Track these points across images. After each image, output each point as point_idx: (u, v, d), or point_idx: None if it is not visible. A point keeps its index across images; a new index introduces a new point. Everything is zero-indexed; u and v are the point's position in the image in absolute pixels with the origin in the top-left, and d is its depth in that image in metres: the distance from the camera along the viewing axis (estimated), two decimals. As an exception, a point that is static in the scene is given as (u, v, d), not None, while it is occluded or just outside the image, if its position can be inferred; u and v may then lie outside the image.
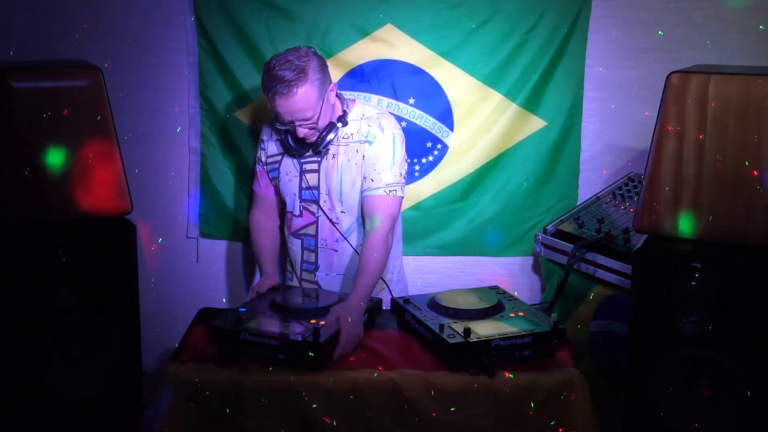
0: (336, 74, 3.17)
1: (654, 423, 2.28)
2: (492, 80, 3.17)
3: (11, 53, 3.00)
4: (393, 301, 2.61)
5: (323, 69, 2.63)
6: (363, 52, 3.17)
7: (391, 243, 2.69)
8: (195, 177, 3.32)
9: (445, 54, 3.16)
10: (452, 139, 3.23)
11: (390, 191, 2.68)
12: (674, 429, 2.26)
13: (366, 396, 2.24)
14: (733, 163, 2.16)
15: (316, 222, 2.79)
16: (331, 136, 2.67)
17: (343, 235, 2.76)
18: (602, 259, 2.82)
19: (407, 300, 2.57)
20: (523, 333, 2.32)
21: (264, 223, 2.90)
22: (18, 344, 2.36)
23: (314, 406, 2.22)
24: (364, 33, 3.14)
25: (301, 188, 2.77)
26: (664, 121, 2.22)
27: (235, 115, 3.25)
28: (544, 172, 3.25)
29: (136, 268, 2.51)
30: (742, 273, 2.17)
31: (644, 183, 2.27)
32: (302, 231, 2.82)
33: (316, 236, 2.80)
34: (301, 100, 2.56)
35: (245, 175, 3.29)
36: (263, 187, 2.88)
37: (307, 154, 2.74)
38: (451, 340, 2.26)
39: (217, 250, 3.38)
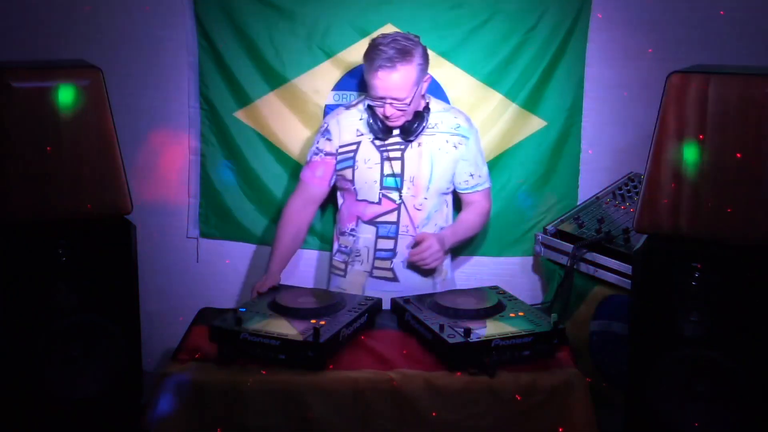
0: (336, 74, 3.18)
1: (654, 423, 2.28)
2: (492, 80, 3.17)
3: (11, 53, 3.00)
4: (393, 301, 2.61)
5: (425, 57, 2.77)
6: (363, 52, 3.16)
7: (488, 220, 3.03)
8: (195, 177, 3.32)
9: (445, 54, 3.16)
10: (452, 139, 3.23)
11: (490, 182, 3.00)
12: (674, 429, 2.26)
13: (366, 396, 2.24)
14: (733, 163, 2.16)
15: (398, 209, 2.83)
16: (418, 124, 2.79)
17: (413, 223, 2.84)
18: (602, 259, 2.82)
19: (407, 300, 2.57)
20: (523, 333, 2.32)
21: (299, 215, 2.92)
22: (18, 344, 2.36)
23: (314, 406, 2.22)
24: (364, 33, 3.14)
25: (382, 175, 2.81)
26: (664, 121, 2.22)
27: (235, 115, 3.25)
28: (544, 172, 3.25)
29: (136, 268, 2.51)
30: (742, 273, 2.17)
31: (644, 183, 2.27)
32: (379, 219, 2.86)
33: (397, 223, 2.85)
34: (401, 79, 2.68)
35: (245, 175, 3.29)
36: (318, 177, 2.90)
37: (389, 141, 2.81)
38: (451, 340, 2.26)
39: (217, 250, 3.38)
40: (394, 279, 2.90)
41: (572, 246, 2.88)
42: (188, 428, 2.24)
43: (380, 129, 2.79)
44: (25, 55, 2.95)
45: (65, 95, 2.36)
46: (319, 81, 3.19)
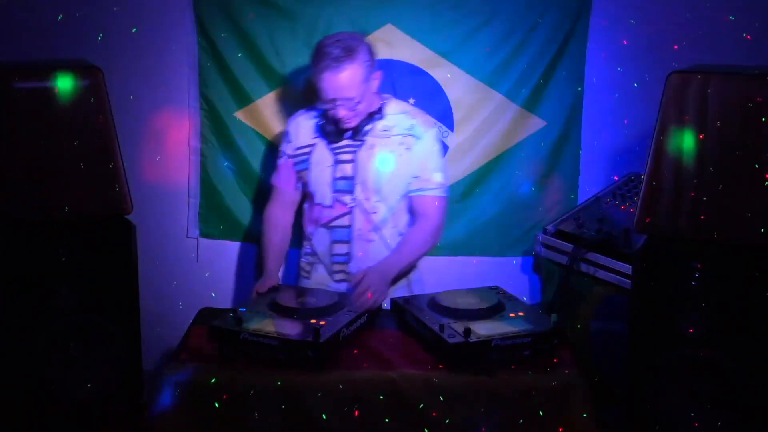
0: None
1: (654, 423, 2.28)
2: (492, 80, 3.17)
3: (11, 53, 3.00)
4: (393, 301, 2.61)
5: (372, 54, 2.69)
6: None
7: (438, 239, 2.80)
8: (195, 177, 3.32)
9: (445, 54, 3.17)
10: (452, 140, 3.23)
11: (442, 192, 2.77)
12: (674, 429, 2.26)
13: (366, 396, 2.24)
14: (733, 163, 2.16)
15: (351, 213, 2.79)
16: (370, 125, 2.71)
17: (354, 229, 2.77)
18: (602, 259, 2.82)
19: (407, 300, 2.57)
20: (523, 333, 2.32)
21: (279, 219, 2.90)
22: (18, 344, 2.36)
23: (314, 406, 2.22)
24: (364, 33, 3.14)
25: (334, 178, 2.77)
26: (664, 121, 2.22)
27: (235, 115, 3.25)
28: (544, 172, 3.26)
29: (136, 268, 2.51)
30: (742, 273, 2.17)
31: (644, 183, 2.27)
32: (333, 222, 2.81)
33: (350, 227, 2.80)
34: (348, 78, 2.60)
35: (245, 175, 3.29)
36: (283, 180, 2.87)
37: (342, 144, 2.75)
38: (451, 340, 2.26)
39: (217, 250, 3.38)
40: (327, 288, 2.83)
41: (572, 246, 2.88)
42: (188, 428, 2.24)
43: (332, 131, 2.73)
44: (25, 55, 2.96)
45: (64, 84, 2.35)
46: (320, 81, 3.19)
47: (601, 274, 2.83)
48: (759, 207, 2.15)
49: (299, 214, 2.94)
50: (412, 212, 2.81)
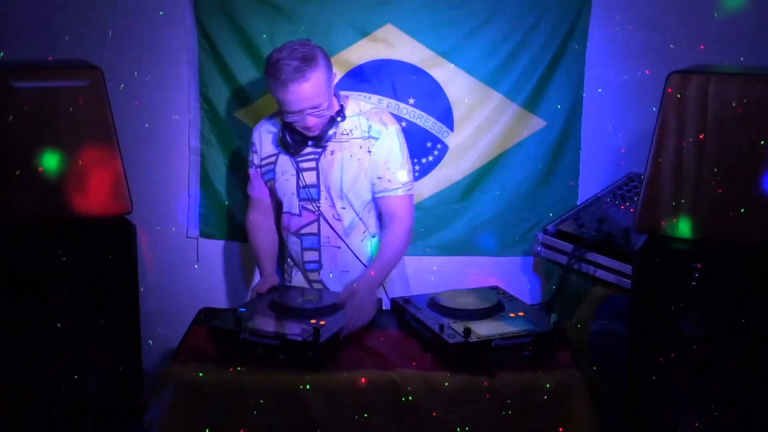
0: (336, 74, 3.18)
1: (654, 423, 2.28)
2: (492, 80, 3.17)
3: (11, 53, 3.00)
4: (393, 301, 2.61)
5: (327, 57, 2.65)
6: (363, 52, 3.17)
7: (410, 240, 2.76)
8: (195, 177, 3.32)
9: (445, 54, 3.16)
10: (452, 139, 3.23)
11: (407, 191, 2.73)
12: (674, 429, 2.26)
13: (366, 396, 2.24)
14: (733, 163, 2.16)
15: (317, 220, 2.78)
16: (332, 130, 2.66)
17: (340, 235, 2.76)
18: (602, 259, 2.82)
19: (407, 300, 2.57)
20: (523, 333, 2.32)
21: (261, 223, 2.89)
22: (18, 344, 2.36)
23: (314, 406, 2.22)
24: (364, 33, 3.14)
25: (298, 187, 2.76)
26: (664, 121, 2.22)
27: (235, 115, 3.25)
28: (544, 172, 3.25)
29: (136, 268, 2.51)
30: (742, 273, 2.17)
31: (644, 183, 2.27)
32: (302, 230, 2.81)
33: (318, 234, 2.80)
34: (314, 86, 2.55)
35: (245, 175, 3.28)
36: (257, 190, 2.85)
37: (303, 152, 2.72)
38: (451, 340, 2.26)
39: (217, 250, 3.38)
40: (326, 288, 2.83)
41: (572, 246, 2.88)
42: (188, 428, 2.24)
43: (293, 143, 2.67)
44: (25, 55, 2.96)
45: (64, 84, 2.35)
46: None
47: (601, 274, 2.83)
48: (759, 207, 2.15)
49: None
50: (380, 215, 2.78)
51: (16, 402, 2.38)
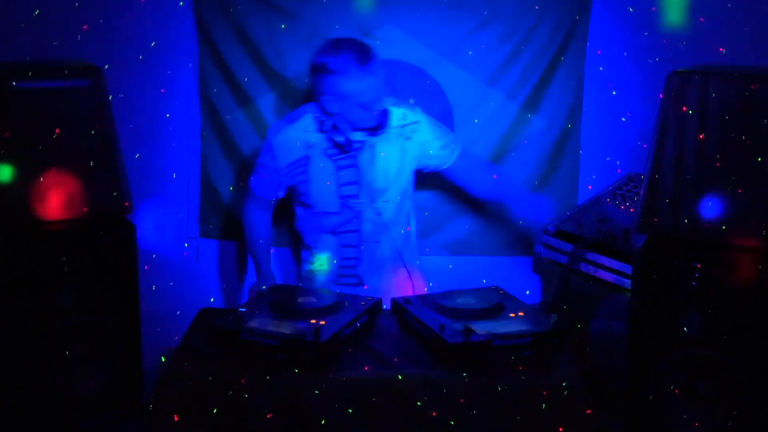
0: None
1: (654, 423, 2.28)
2: (492, 80, 3.17)
3: (11, 53, 3.00)
4: (393, 301, 2.61)
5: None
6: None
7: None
8: (195, 177, 3.32)
9: (445, 54, 3.16)
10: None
11: (458, 145, 2.90)
12: (674, 429, 2.26)
13: (366, 396, 2.24)
14: (733, 163, 2.16)
15: (358, 217, 2.81)
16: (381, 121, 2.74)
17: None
18: (602, 259, 2.82)
19: (407, 300, 2.57)
20: (523, 333, 2.32)
21: (261, 219, 2.91)
22: (18, 344, 2.36)
23: (314, 406, 2.22)
24: (364, 33, 3.14)
25: (338, 185, 2.78)
26: (664, 121, 2.22)
27: (235, 115, 3.25)
28: (544, 172, 3.25)
29: (136, 268, 2.51)
30: (742, 273, 2.17)
31: (644, 183, 2.27)
32: (341, 228, 2.83)
33: (357, 231, 2.82)
34: (378, 76, 2.68)
35: (245, 175, 3.28)
36: (267, 190, 2.85)
37: (339, 152, 2.77)
38: (451, 340, 2.26)
39: (217, 250, 3.38)
40: (360, 283, 2.89)
41: (572, 246, 2.88)
42: (188, 428, 2.24)
43: (347, 142, 2.73)
44: (25, 55, 2.96)
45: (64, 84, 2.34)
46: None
47: (601, 274, 2.83)
48: (759, 207, 2.15)
49: (286, 220, 2.96)
50: (460, 177, 2.94)
51: (16, 402, 2.38)
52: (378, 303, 2.60)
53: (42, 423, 2.40)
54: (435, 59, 3.17)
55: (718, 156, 2.17)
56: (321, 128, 2.75)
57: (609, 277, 2.80)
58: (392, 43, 3.16)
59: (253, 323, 2.34)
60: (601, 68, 3.17)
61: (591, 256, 2.86)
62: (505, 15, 3.12)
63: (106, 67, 2.46)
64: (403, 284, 2.90)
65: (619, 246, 2.79)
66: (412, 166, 2.84)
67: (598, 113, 3.22)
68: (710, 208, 2.17)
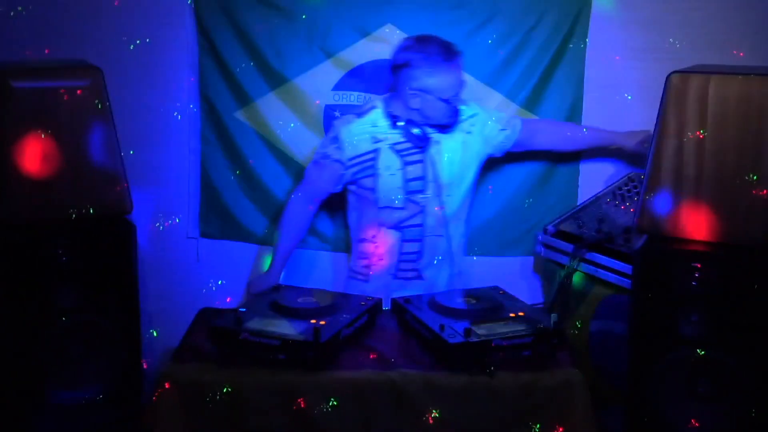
0: (336, 74, 3.18)
1: (654, 423, 2.28)
2: (492, 80, 3.17)
3: (11, 53, 3.00)
4: (393, 301, 2.62)
5: None
6: (363, 52, 3.17)
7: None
8: (195, 177, 3.32)
9: (445, 54, 3.16)
10: (452, 139, 3.23)
11: (516, 119, 3.00)
12: (674, 429, 2.26)
13: (366, 396, 2.24)
14: (733, 163, 2.16)
15: (422, 212, 2.84)
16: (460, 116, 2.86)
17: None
18: (602, 259, 2.82)
19: (407, 300, 2.57)
20: (523, 333, 2.32)
21: (301, 211, 2.93)
22: (18, 344, 2.36)
23: (314, 406, 2.22)
24: (364, 33, 3.14)
25: (405, 181, 2.81)
26: (664, 121, 2.22)
27: (235, 115, 3.25)
28: (544, 172, 3.25)
29: (136, 268, 2.51)
30: (742, 273, 2.17)
31: (644, 183, 2.27)
32: (405, 223, 2.86)
33: (422, 225, 2.85)
34: (462, 71, 2.77)
35: (245, 175, 3.28)
36: (323, 179, 2.88)
37: (407, 146, 2.82)
38: (451, 340, 2.26)
39: (217, 250, 3.38)
40: (419, 277, 2.92)
41: (572, 246, 2.88)
42: (188, 428, 2.24)
43: (423, 137, 2.80)
44: (25, 55, 2.96)
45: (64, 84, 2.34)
46: (319, 81, 3.19)
47: (601, 274, 2.83)
48: (759, 207, 2.15)
49: (336, 214, 3.01)
50: (531, 144, 3.03)
51: (15, 402, 2.38)
52: (378, 303, 2.60)
53: (42, 423, 2.40)
54: (435, 59, 3.16)
55: (718, 156, 2.17)
56: (394, 123, 2.81)
57: (609, 277, 2.80)
58: (392, 43, 3.15)
59: (253, 323, 2.34)
60: (600, 67, 3.17)
61: (591, 256, 2.86)
62: (505, 15, 3.12)
63: (106, 66, 2.45)
64: (457, 278, 2.95)
65: (619, 246, 2.79)
66: (478, 159, 2.93)
67: (598, 113, 3.21)
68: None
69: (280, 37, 3.16)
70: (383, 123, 2.84)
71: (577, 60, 3.17)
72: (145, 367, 2.59)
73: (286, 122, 3.23)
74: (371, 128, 2.84)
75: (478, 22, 3.13)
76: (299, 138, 3.23)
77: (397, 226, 2.87)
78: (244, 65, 3.19)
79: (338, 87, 3.20)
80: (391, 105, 2.85)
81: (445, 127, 2.83)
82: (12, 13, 3.10)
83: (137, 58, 3.19)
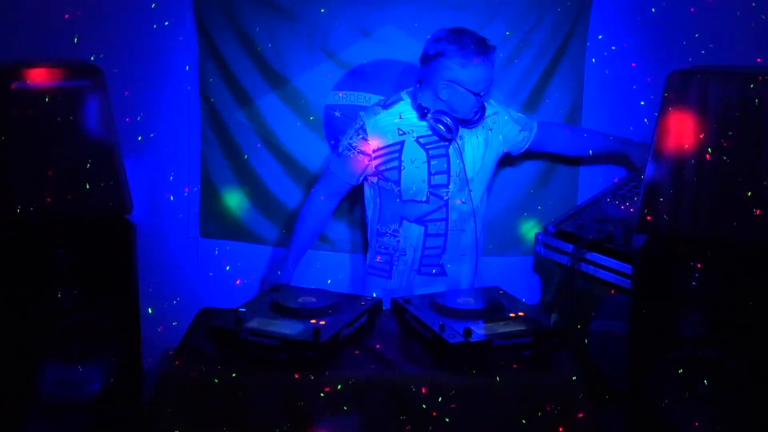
0: (336, 74, 3.18)
1: (654, 423, 2.28)
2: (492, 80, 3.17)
3: (11, 53, 3.00)
4: (393, 301, 2.62)
5: None
6: (363, 51, 3.17)
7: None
8: (195, 177, 3.32)
9: (445, 54, 3.16)
10: (452, 139, 3.23)
11: (534, 123, 3.01)
12: (674, 429, 2.26)
13: (366, 396, 2.24)
14: (733, 163, 2.16)
15: (446, 206, 2.85)
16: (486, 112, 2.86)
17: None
18: (602, 259, 2.82)
19: (407, 300, 2.57)
20: (523, 333, 2.32)
21: (322, 206, 2.93)
22: (17, 344, 2.36)
23: (314, 406, 2.22)
24: (364, 33, 3.15)
25: (430, 173, 2.81)
26: (664, 121, 2.22)
27: (235, 115, 3.25)
28: (544, 172, 3.26)
29: (136, 268, 2.51)
30: (742, 273, 2.17)
31: (644, 183, 2.27)
32: (429, 216, 2.86)
33: (445, 219, 2.85)
34: (492, 68, 2.75)
35: (245, 175, 3.28)
36: (348, 172, 2.88)
37: (433, 138, 2.81)
38: (452, 340, 2.26)
39: (217, 250, 3.38)
40: (442, 273, 2.93)
41: (572, 246, 2.88)
42: (188, 428, 2.24)
43: (451, 129, 2.77)
44: (25, 55, 2.95)
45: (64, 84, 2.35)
46: (320, 81, 3.19)
47: (601, 274, 2.83)
48: (759, 207, 2.15)
49: (355, 207, 3.02)
50: (546, 146, 3.06)
51: (15, 402, 2.38)
52: (378, 303, 2.60)
53: (42, 423, 2.40)
54: (435, 59, 3.16)
55: (718, 156, 2.17)
56: (421, 115, 2.80)
57: (609, 277, 2.80)
58: (392, 43, 3.16)
59: (253, 323, 2.34)
60: (600, 67, 3.17)
61: (591, 256, 2.86)
62: (505, 15, 3.13)
63: (106, 67, 2.45)
64: (479, 276, 2.98)
65: (619, 246, 2.79)
66: (497, 156, 2.93)
67: (598, 113, 3.22)
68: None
69: (280, 37, 3.16)
70: (409, 115, 2.83)
71: (577, 60, 3.17)
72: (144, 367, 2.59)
73: (286, 122, 3.23)
74: (397, 120, 2.83)
75: (478, 23, 3.13)
76: (299, 138, 3.24)
77: (420, 220, 2.87)
78: (244, 65, 3.19)
79: (338, 87, 3.20)
80: (418, 97, 2.82)
81: (469, 123, 2.83)
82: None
83: (137, 58, 3.19)
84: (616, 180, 3.17)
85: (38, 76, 2.36)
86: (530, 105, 3.19)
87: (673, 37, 3.07)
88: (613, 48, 3.15)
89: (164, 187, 3.31)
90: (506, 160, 3.23)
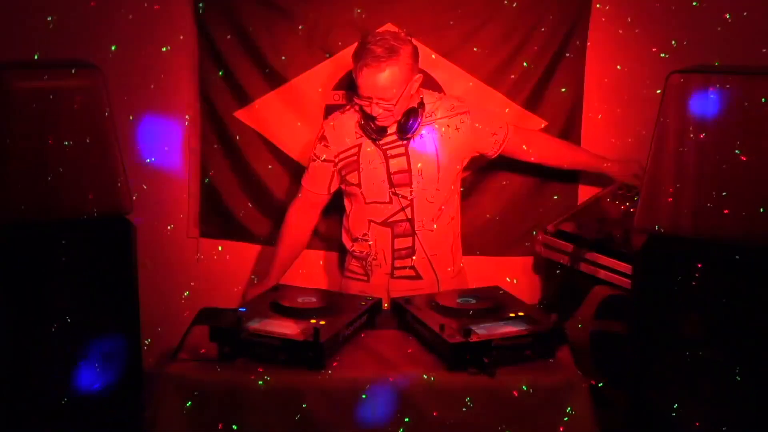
0: (336, 74, 3.18)
1: (654, 423, 2.28)
2: (492, 80, 3.17)
3: (11, 53, 3.00)
4: (393, 301, 2.61)
5: (415, 57, 2.71)
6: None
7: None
8: (195, 177, 3.32)
9: (445, 54, 3.17)
10: (452, 139, 3.23)
11: (509, 125, 2.94)
12: (674, 429, 2.26)
13: (366, 396, 2.24)
14: (733, 163, 2.16)
15: (411, 205, 2.81)
16: (417, 120, 2.74)
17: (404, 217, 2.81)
18: (602, 259, 2.82)
19: (407, 300, 2.57)
20: (523, 333, 2.32)
21: (299, 221, 2.93)
22: (17, 344, 2.36)
23: (314, 406, 2.22)
24: (364, 33, 3.14)
25: (389, 174, 2.78)
26: (664, 121, 2.22)
27: (235, 115, 3.25)
28: (544, 172, 3.25)
29: (136, 268, 2.50)
30: (742, 273, 2.16)
31: (644, 182, 2.27)
32: (393, 218, 2.83)
33: (412, 219, 2.82)
34: (387, 79, 2.63)
35: (245, 175, 3.29)
36: (318, 184, 2.88)
37: (390, 139, 2.78)
38: (451, 340, 2.26)
39: (217, 250, 3.38)
40: (417, 276, 2.89)
41: (572, 246, 2.88)
42: (188, 428, 2.24)
43: (373, 129, 2.76)
44: (25, 55, 2.95)
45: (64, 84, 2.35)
46: (320, 81, 3.20)
47: (601, 274, 2.83)
48: (759, 207, 2.15)
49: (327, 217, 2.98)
50: (526, 151, 2.97)
51: (15, 402, 2.38)
52: (378, 303, 2.60)
53: (42, 423, 2.40)
54: (435, 59, 3.17)
55: (718, 156, 2.17)
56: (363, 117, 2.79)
57: (609, 277, 2.80)
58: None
59: (253, 323, 2.34)
60: (600, 67, 3.17)
61: (591, 256, 2.86)
62: (505, 15, 3.13)
63: (106, 67, 2.45)
64: (457, 277, 2.94)
65: (619, 246, 2.79)
66: (464, 155, 2.88)
67: (598, 113, 3.21)
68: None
69: (280, 37, 3.16)
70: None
71: (577, 60, 3.17)
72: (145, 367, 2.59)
73: (286, 122, 3.23)
74: (355, 122, 2.82)
75: (478, 22, 3.14)
76: (299, 138, 3.24)
77: (386, 222, 2.85)
78: (244, 65, 3.19)
79: (338, 87, 3.20)
80: None
81: (398, 130, 2.76)
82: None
83: (137, 57, 3.20)
84: (616, 180, 3.17)
85: (38, 76, 2.36)
86: (530, 104, 3.19)
87: (672, 37, 3.07)
88: (613, 48, 3.15)
89: (164, 187, 3.31)
90: (506, 161, 3.23)
